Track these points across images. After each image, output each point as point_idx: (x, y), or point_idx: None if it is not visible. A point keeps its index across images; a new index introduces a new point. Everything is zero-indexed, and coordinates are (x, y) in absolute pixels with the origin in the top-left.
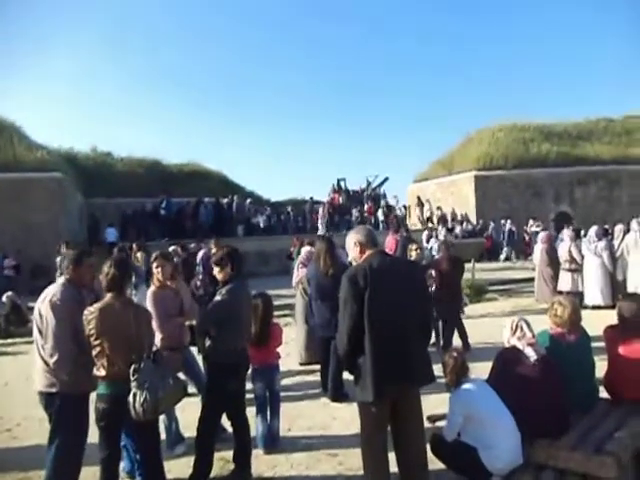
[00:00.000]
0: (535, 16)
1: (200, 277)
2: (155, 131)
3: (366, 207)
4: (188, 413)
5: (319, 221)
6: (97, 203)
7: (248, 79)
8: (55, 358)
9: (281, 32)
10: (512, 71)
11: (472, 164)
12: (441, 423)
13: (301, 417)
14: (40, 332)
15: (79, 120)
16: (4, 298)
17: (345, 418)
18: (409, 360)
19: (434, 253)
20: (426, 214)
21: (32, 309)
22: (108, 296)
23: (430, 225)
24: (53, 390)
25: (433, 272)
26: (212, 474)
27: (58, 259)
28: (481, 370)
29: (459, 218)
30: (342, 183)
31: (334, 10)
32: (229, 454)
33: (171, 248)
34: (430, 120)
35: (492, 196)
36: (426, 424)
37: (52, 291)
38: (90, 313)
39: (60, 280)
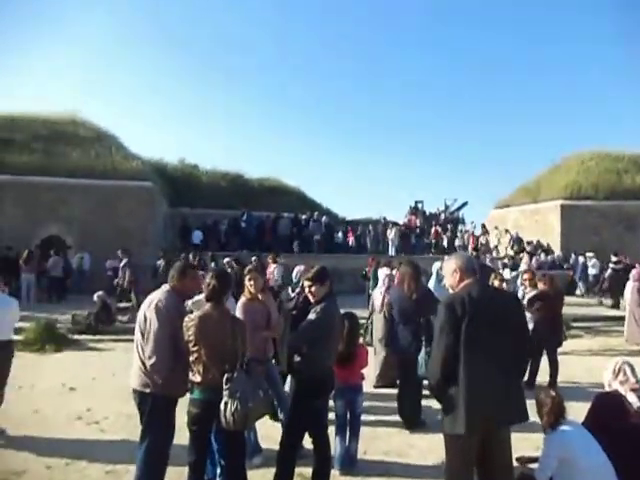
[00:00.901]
0: (632, 45)
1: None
2: (239, 146)
3: (433, 230)
4: (266, 425)
5: (390, 242)
6: (181, 212)
7: (328, 98)
8: (153, 361)
9: (366, 58)
10: (603, 98)
11: (559, 192)
12: (532, 465)
13: (377, 441)
14: (142, 334)
15: (169, 133)
16: (95, 297)
17: (422, 447)
18: (504, 395)
19: (518, 283)
20: (507, 242)
21: (121, 309)
22: (208, 305)
23: (512, 254)
24: (147, 390)
25: (536, 305)
26: None
27: (159, 262)
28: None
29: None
30: (419, 205)
31: (420, 39)
32: (305, 470)
33: (225, 260)
34: (514, 145)
35: (579, 227)
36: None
37: (158, 297)
38: (190, 320)
39: (165, 287)
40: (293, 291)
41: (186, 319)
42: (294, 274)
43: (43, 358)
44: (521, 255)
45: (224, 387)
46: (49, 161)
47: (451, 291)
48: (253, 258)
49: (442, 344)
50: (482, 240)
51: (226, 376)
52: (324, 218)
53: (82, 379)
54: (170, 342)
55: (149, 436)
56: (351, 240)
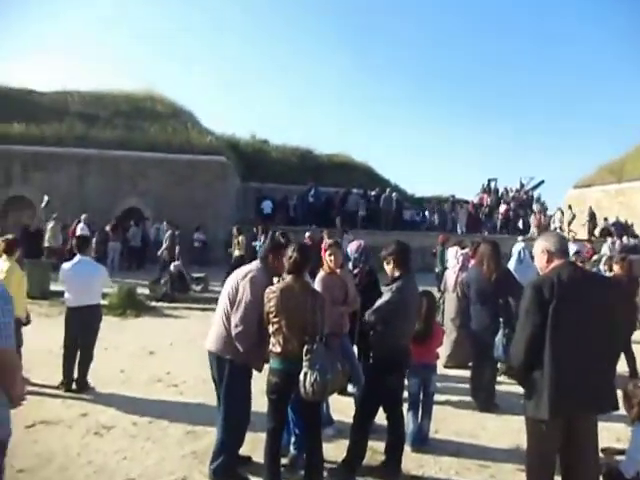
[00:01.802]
0: None
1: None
2: (309, 121)
3: (502, 209)
4: (336, 399)
5: (458, 221)
6: (252, 187)
7: (398, 75)
8: (239, 330)
9: (440, 31)
10: None
11: None
12: (618, 457)
13: (448, 421)
14: (230, 302)
15: (241, 108)
16: (172, 267)
17: (494, 429)
18: (592, 381)
19: (601, 267)
20: (589, 223)
21: (195, 279)
22: (289, 278)
23: (594, 237)
24: (227, 356)
25: None
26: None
27: (240, 239)
28: None
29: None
30: (492, 183)
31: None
32: (377, 444)
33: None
34: (597, 122)
35: None
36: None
37: (252, 270)
38: (271, 292)
39: (257, 263)
40: (355, 267)
41: (267, 290)
42: (354, 249)
43: (124, 322)
44: (601, 237)
45: (304, 358)
46: (129, 136)
47: (540, 273)
48: (277, 233)
49: (527, 327)
50: (544, 220)
51: (306, 347)
52: (394, 194)
53: (160, 344)
54: (257, 314)
55: (228, 402)
56: (419, 218)
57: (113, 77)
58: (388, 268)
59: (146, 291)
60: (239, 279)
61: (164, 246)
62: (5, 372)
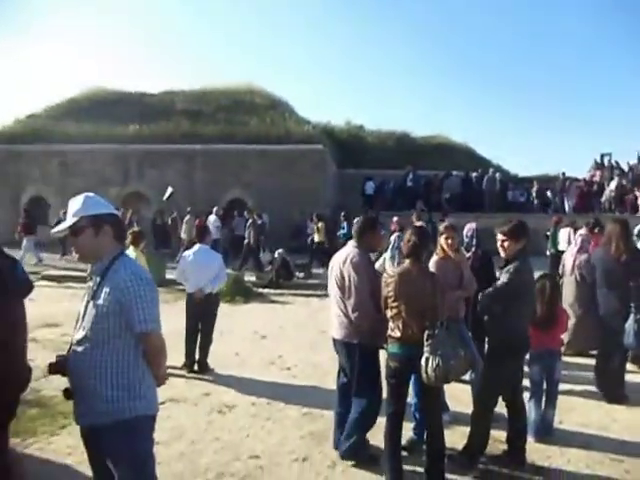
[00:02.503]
0: None
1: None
2: (404, 104)
3: (613, 185)
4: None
5: (565, 199)
6: (348, 174)
7: (496, 52)
8: (357, 314)
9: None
10: None
11: None
12: None
13: (573, 412)
14: (341, 290)
15: (335, 96)
16: (276, 254)
17: (627, 422)
18: None
19: None
20: None
21: (298, 266)
22: (407, 262)
23: None
24: (354, 341)
25: None
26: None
27: (320, 225)
28: None
29: None
30: (606, 159)
31: None
32: (497, 433)
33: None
34: None
35: None
36: None
37: (349, 253)
38: (389, 277)
39: (352, 243)
40: (467, 251)
41: (385, 275)
42: (465, 232)
43: (234, 308)
44: None
45: (425, 343)
46: (231, 129)
47: None
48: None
49: None
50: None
51: (427, 332)
52: (497, 175)
53: (270, 328)
54: (369, 294)
55: (360, 385)
56: (524, 198)
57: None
58: (505, 248)
59: (252, 278)
60: (341, 265)
61: (247, 234)
62: (154, 354)
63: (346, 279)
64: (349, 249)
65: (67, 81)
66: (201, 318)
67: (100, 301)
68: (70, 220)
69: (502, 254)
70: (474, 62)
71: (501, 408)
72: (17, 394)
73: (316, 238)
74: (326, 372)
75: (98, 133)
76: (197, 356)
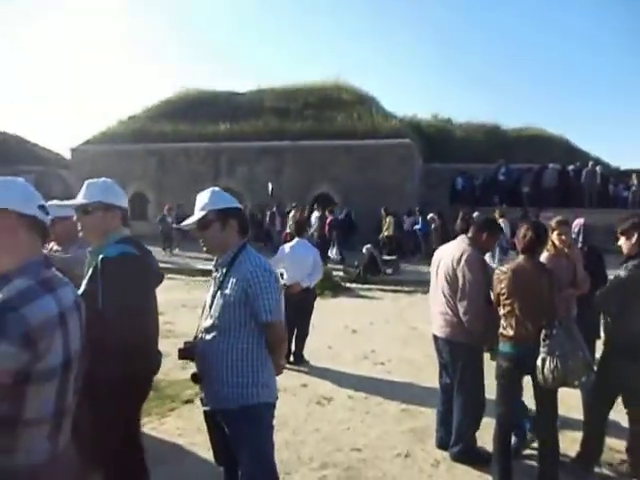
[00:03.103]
0: None
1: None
2: (493, 96)
3: None
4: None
5: None
6: (434, 168)
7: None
8: (469, 317)
9: None
10: None
11: None
12: None
13: None
14: (450, 287)
15: (423, 89)
16: (364, 250)
17: None
18: None
19: None
20: None
21: (386, 262)
22: (521, 258)
23: None
24: (460, 341)
25: None
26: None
27: (388, 220)
28: None
29: None
30: None
31: None
32: (615, 442)
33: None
34: None
35: None
36: None
37: (464, 251)
38: (502, 273)
39: (464, 240)
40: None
41: (497, 272)
42: (572, 228)
43: (323, 302)
44: None
45: (542, 343)
46: (319, 126)
47: None
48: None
49: None
50: None
51: (544, 332)
52: (598, 168)
53: (360, 323)
54: (483, 295)
55: (464, 386)
56: (627, 193)
57: (302, 72)
58: (627, 244)
59: (340, 273)
60: (454, 263)
61: (313, 228)
62: (277, 343)
63: (460, 279)
64: (462, 246)
65: (163, 83)
66: (298, 311)
67: (227, 291)
68: (198, 214)
69: (624, 251)
70: (565, 50)
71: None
72: (151, 377)
73: (385, 232)
74: (420, 368)
75: (192, 132)
76: (293, 347)
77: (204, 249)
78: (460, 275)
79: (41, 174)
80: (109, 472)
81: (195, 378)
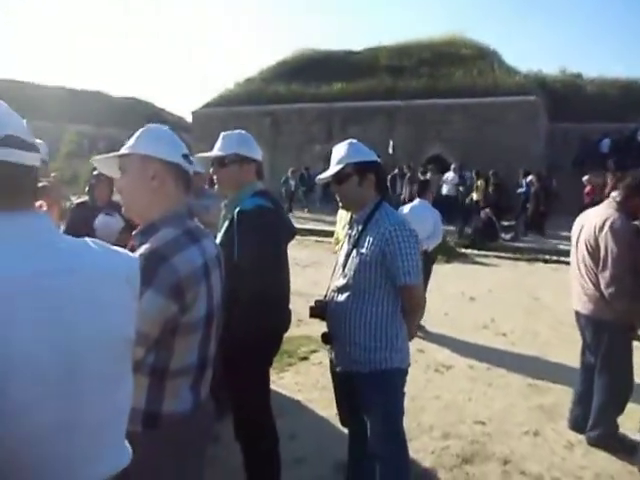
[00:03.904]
0: None
1: None
2: (630, 46)
3: None
4: None
5: None
6: (560, 128)
7: None
8: (612, 290)
9: None
10: None
11: None
12: None
13: None
14: (593, 259)
15: (549, 42)
16: (481, 214)
17: None
18: None
19: None
20: None
21: (505, 227)
22: None
23: None
24: (605, 318)
25: None
26: None
27: (479, 183)
28: None
29: None
30: None
31: None
32: None
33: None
34: None
35: None
36: None
37: (609, 217)
38: None
39: (611, 205)
40: None
41: None
42: None
43: (437, 267)
44: None
45: None
46: (434, 83)
47: None
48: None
49: None
50: None
51: None
52: None
53: (478, 290)
54: (630, 268)
55: (609, 367)
56: None
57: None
58: None
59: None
60: (596, 230)
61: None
62: (413, 308)
63: (602, 248)
64: (607, 211)
65: (280, 45)
66: None
67: (363, 250)
68: (334, 167)
69: None
70: None
71: None
72: (283, 332)
73: (475, 196)
74: (546, 342)
75: (305, 92)
76: None
77: (340, 204)
78: (602, 244)
79: None
80: (239, 418)
81: (325, 338)
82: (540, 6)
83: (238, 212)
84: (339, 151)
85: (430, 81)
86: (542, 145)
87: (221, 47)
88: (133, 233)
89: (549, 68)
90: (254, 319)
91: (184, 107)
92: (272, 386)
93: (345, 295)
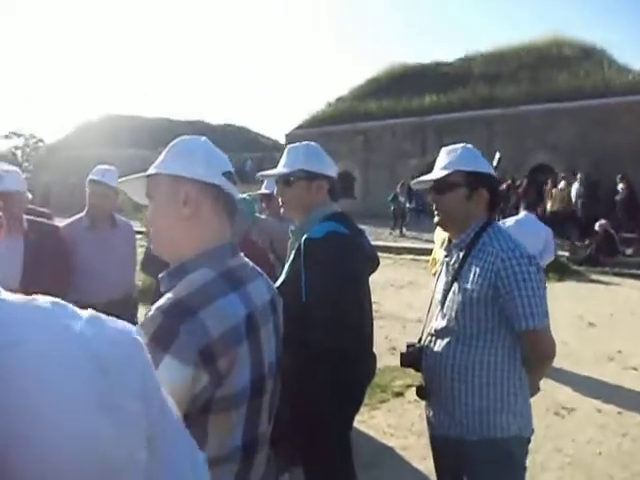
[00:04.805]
0: None
1: None
2: None
3: None
4: None
5: None
6: None
7: None
8: None
9: None
10: None
11: None
12: None
13: None
14: None
15: None
16: (597, 226)
17: None
18: None
19: None
20: None
21: (625, 240)
22: None
23: None
24: None
25: None
26: None
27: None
28: None
29: None
30: None
31: None
32: None
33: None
34: None
35: None
36: None
37: None
38: None
39: None
40: None
41: None
42: None
43: (548, 286)
44: None
45: None
46: (536, 88)
47: None
48: None
49: None
50: None
51: None
52: None
53: (597, 314)
54: None
55: None
56: None
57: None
58: None
59: (566, 252)
60: None
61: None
62: (540, 358)
63: None
64: None
65: (372, 61)
66: None
67: (468, 284)
68: (439, 172)
69: None
70: None
71: None
72: (366, 385)
73: (548, 206)
74: None
75: (396, 108)
76: None
77: (436, 219)
78: None
79: (259, 159)
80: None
81: (421, 393)
82: None
83: (305, 241)
84: (448, 154)
85: (531, 86)
86: None
87: (313, 68)
88: (159, 276)
89: None
90: (330, 375)
91: (278, 130)
92: (361, 427)
93: (446, 341)
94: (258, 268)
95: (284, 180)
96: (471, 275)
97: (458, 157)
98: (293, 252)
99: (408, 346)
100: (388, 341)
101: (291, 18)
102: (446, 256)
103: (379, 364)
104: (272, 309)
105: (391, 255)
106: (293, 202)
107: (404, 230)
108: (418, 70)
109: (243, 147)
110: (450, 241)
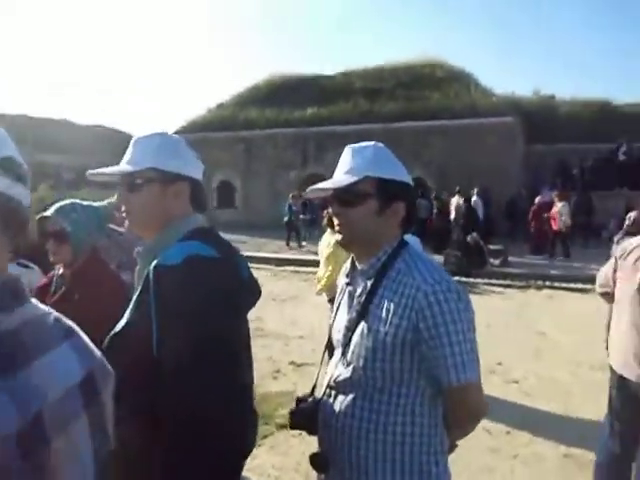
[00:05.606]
0: None
1: None
2: (603, 69)
3: None
4: None
5: None
6: (536, 150)
7: None
8: None
9: None
10: None
11: None
12: None
13: None
14: None
15: (521, 63)
16: (468, 238)
17: None
18: None
19: None
20: None
21: (492, 252)
22: None
23: None
24: None
25: None
26: None
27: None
28: None
29: None
30: None
31: None
32: None
33: None
34: None
35: None
36: None
37: None
38: None
39: None
40: None
41: None
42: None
43: None
44: None
45: None
46: (411, 106)
47: None
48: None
49: None
50: None
51: None
52: None
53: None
54: None
55: None
56: None
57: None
58: None
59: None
60: None
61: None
62: (466, 417)
63: None
64: None
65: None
66: None
67: (379, 325)
68: (344, 177)
69: None
70: None
71: None
72: (246, 454)
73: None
74: (569, 392)
75: (278, 118)
76: None
77: (338, 236)
78: None
79: None
80: None
81: (318, 463)
82: (511, 28)
83: (156, 267)
84: (355, 155)
85: (407, 104)
86: (519, 167)
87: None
88: None
89: (522, 90)
90: (190, 449)
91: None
92: (243, 471)
93: (350, 396)
94: (69, 323)
95: (128, 182)
96: (383, 313)
97: (369, 160)
98: (140, 283)
99: (298, 400)
100: (272, 362)
101: (164, 23)
102: (348, 284)
103: (260, 389)
104: (85, 394)
105: (271, 267)
106: (141, 213)
107: (303, 242)
108: (298, 81)
109: (120, 151)
110: (354, 265)
